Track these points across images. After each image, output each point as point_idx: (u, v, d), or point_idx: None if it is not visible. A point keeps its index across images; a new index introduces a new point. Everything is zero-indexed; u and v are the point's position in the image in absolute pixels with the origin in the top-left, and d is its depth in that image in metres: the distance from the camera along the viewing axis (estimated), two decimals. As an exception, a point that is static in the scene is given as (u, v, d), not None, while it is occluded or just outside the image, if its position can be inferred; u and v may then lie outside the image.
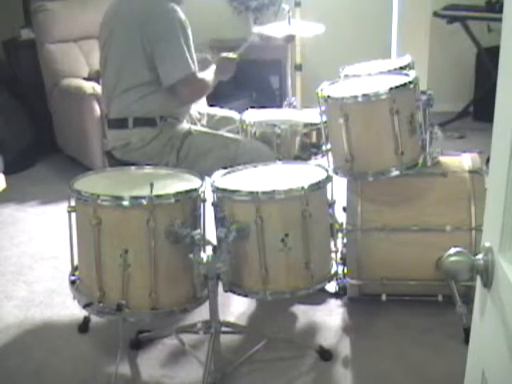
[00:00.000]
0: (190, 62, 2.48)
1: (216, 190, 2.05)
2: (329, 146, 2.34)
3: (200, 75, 2.56)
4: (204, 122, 2.83)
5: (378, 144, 2.22)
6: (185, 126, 2.63)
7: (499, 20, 0.92)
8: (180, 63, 2.46)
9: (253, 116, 2.71)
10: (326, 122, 2.33)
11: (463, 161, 2.39)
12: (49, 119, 4.41)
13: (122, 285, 1.92)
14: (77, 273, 2.09)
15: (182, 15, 2.49)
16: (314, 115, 2.58)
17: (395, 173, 2.21)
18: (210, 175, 2.16)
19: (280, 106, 3.25)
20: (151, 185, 1.86)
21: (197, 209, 2.02)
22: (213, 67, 2.69)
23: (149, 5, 2.49)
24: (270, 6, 4.95)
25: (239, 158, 2.45)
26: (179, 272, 1.99)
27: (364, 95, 2.15)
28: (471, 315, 1.08)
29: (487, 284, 0.93)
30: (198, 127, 2.71)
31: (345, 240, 2.37)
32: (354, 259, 2.32)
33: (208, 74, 2.63)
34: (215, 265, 1.89)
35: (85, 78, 4.08)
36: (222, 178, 2.15)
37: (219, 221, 2.05)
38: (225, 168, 2.26)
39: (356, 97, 2.15)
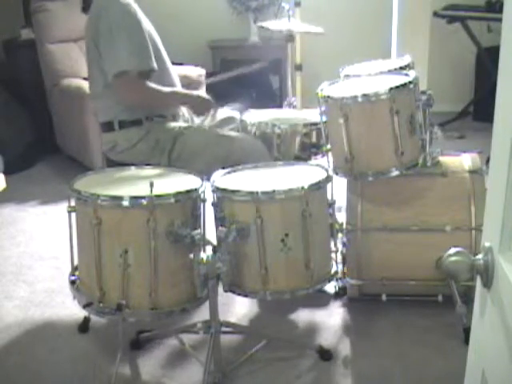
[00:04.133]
0: (127, 58, 2.41)
1: (216, 189, 2.05)
2: (329, 146, 2.34)
3: (147, 82, 2.46)
4: (207, 122, 2.82)
5: (378, 144, 2.22)
6: (175, 125, 2.60)
7: (499, 20, 0.92)
8: (114, 59, 2.41)
9: (253, 116, 2.71)
10: (326, 122, 2.33)
11: (463, 161, 2.39)
12: (49, 119, 4.42)
13: (121, 285, 1.92)
14: (77, 273, 2.08)
15: (127, 9, 2.45)
16: (314, 115, 2.58)
17: (395, 173, 2.21)
18: (204, 174, 2.13)
19: (280, 105, 3.25)
20: (151, 185, 1.86)
21: (197, 209, 2.02)
22: (187, 92, 2.67)
23: (100, 3, 2.49)
24: (270, 6, 4.95)
25: (232, 155, 2.43)
26: (179, 272, 1.99)
27: (364, 95, 2.15)
28: (471, 315, 1.07)
29: (487, 284, 0.93)
30: (190, 126, 2.67)
31: (345, 240, 2.37)
32: (354, 259, 2.32)
33: (167, 88, 2.55)
34: (215, 265, 1.89)
35: (85, 78, 4.07)
36: (221, 178, 2.15)
37: (219, 221, 2.05)
38: (220, 166, 2.25)
39: (356, 97, 2.15)
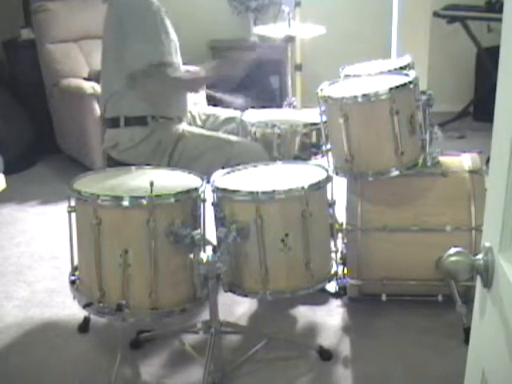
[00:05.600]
0: (153, 52, 2.46)
1: (216, 189, 2.05)
2: (329, 146, 2.34)
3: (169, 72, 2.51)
4: (210, 123, 2.81)
5: (378, 144, 2.22)
6: (178, 127, 2.60)
7: (499, 20, 0.92)
8: (136, 55, 2.44)
9: (253, 116, 2.71)
10: (326, 122, 2.33)
11: (463, 161, 2.39)
12: (49, 119, 4.41)
13: (121, 285, 1.92)
14: (77, 273, 2.09)
15: (148, 6, 2.48)
16: (313, 115, 2.58)
17: (395, 173, 2.21)
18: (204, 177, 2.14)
19: (280, 105, 3.25)
20: (151, 184, 1.86)
21: (197, 209, 2.02)
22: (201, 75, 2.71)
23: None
24: (270, 7, 4.95)
25: (233, 160, 2.43)
26: (179, 272, 1.99)
27: (364, 95, 2.15)
28: (471, 315, 1.07)
29: (487, 284, 0.93)
30: (192, 128, 2.67)
31: (345, 240, 2.37)
32: (354, 259, 2.32)
33: (187, 75, 2.62)
34: (215, 265, 1.89)
35: (85, 78, 4.08)
36: (222, 178, 2.15)
37: (219, 221, 2.05)
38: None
39: (356, 97, 2.15)
